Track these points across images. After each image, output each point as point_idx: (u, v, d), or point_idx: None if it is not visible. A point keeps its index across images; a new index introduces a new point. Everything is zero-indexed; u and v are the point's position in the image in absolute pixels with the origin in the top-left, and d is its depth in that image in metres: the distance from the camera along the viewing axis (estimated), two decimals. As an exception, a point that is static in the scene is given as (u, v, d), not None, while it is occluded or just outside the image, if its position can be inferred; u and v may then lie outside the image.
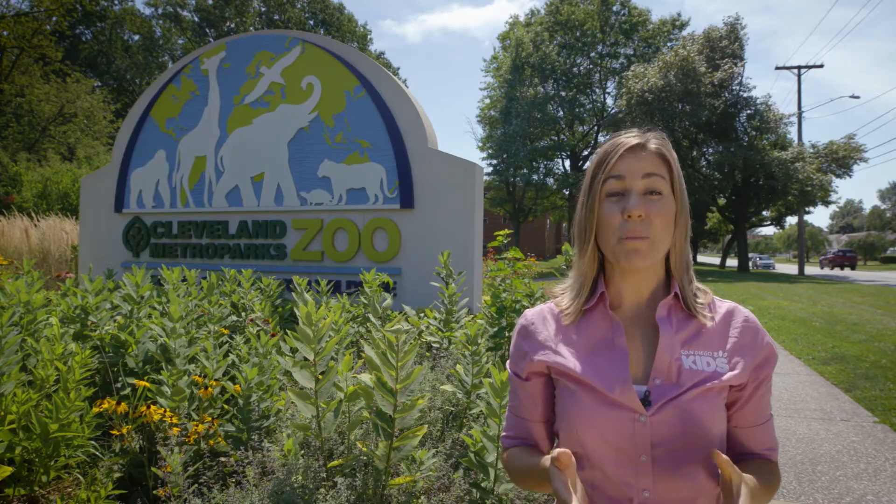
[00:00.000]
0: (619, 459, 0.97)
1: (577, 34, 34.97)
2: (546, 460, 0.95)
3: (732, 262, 44.36)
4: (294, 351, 3.07)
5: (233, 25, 39.59)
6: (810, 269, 39.32)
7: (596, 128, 36.83)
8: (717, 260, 52.23)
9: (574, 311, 1.06)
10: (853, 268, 38.98)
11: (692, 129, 27.77)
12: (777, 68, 29.84)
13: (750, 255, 41.43)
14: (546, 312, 1.12)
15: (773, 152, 26.85)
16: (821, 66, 29.56)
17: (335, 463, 2.10)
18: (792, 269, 39.57)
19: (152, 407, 2.27)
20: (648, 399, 0.96)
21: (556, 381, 1.07)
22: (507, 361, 1.16)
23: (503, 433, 1.18)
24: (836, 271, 38.18)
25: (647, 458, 0.95)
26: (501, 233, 4.45)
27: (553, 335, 1.08)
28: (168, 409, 2.36)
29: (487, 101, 38.39)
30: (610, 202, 1.00)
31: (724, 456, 0.87)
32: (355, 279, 6.27)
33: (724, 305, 1.06)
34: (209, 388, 2.56)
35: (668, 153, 1.02)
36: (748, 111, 28.00)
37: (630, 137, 1.02)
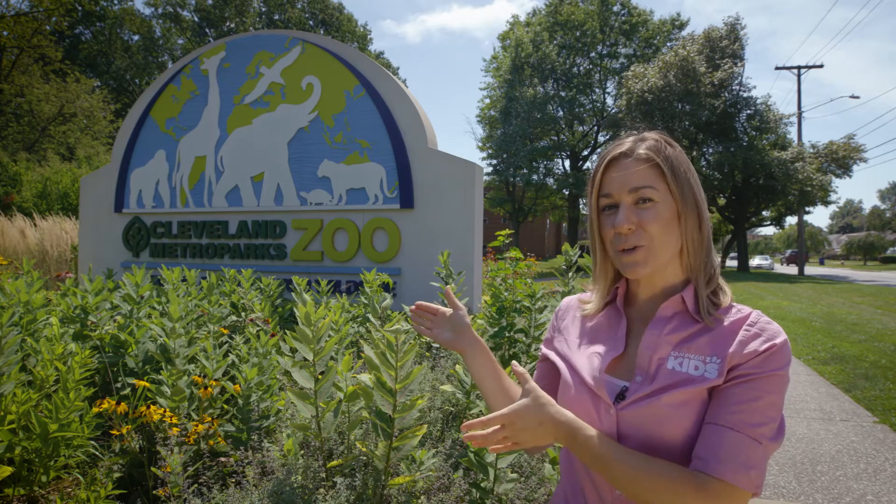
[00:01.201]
0: None
1: (577, 34, 34.98)
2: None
3: (729, 263, 44.44)
4: (294, 351, 3.08)
5: (233, 25, 39.58)
6: (809, 269, 39.43)
7: (596, 128, 36.84)
8: (783, 267, 53.68)
9: (594, 307, 1.13)
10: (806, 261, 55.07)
11: (692, 129, 27.76)
12: (777, 68, 29.86)
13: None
14: (576, 301, 1.20)
15: (773, 152, 26.85)
16: (821, 66, 29.58)
17: (335, 463, 2.10)
18: (791, 269, 39.64)
19: (152, 407, 2.27)
20: (624, 394, 0.97)
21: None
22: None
23: None
24: (831, 271, 39.26)
25: None
26: (503, 233, 4.44)
27: (572, 324, 1.16)
28: (168, 409, 2.36)
29: (487, 101, 38.41)
30: (605, 216, 1.03)
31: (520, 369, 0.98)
32: (355, 279, 6.27)
33: (741, 313, 0.97)
34: (209, 388, 2.56)
35: (657, 156, 0.98)
36: (748, 111, 28.00)
37: (618, 146, 1.02)
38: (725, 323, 0.95)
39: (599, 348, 1.05)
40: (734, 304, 1.00)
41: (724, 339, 0.93)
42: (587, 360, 1.05)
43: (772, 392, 0.88)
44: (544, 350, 1.21)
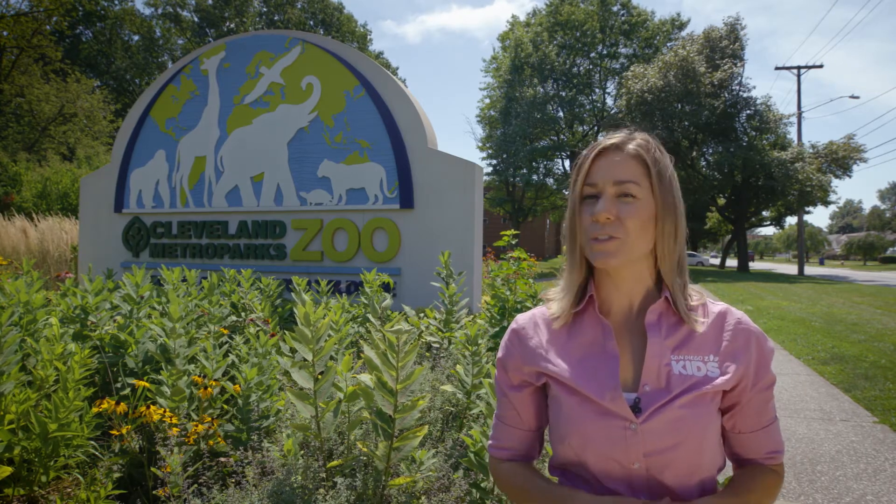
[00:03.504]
0: (611, 467, 0.96)
1: (577, 34, 34.99)
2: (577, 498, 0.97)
3: (730, 263, 44.46)
4: (293, 351, 3.07)
5: (232, 26, 39.57)
6: (809, 269, 39.44)
7: (596, 128, 36.85)
8: (715, 260, 53.50)
9: (564, 315, 1.05)
10: (752, 260, 59.72)
11: (692, 129, 27.76)
12: (777, 68, 29.86)
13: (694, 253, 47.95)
14: (537, 318, 1.11)
15: (773, 152, 26.86)
16: (820, 66, 29.57)
17: (335, 463, 2.10)
18: (791, 268, 39.64)
19: (152, 407, 2.27)
20: (638, 406, 0.95)
21: (547, 388, 1.06)
22: (496, 369, 1.13)
23: (491, 442, 1.14)
24: (831, 271, 39.37)
25: (641, 466, 0.94)
26: (508, 232, 4.44)
27: (544, 341, 1.06)
28: (168, 410, 2.36)
29: (487, 101, 38.41)
30: (585, 205, 1.01)
31: None
32: (355, 279, 6.27)
33: (716, 308, 1.04)
34: (209, 389, 2.56)
35: (646, 155, 0.99)
36: (748, 111, 28.00)
37: (608, 139, 1.02)
38: (710, 322, 1.02)
39: (593, 363, 1.00)
40: (708, 300, 1.06)
41: (716, 336, 1.01)
42: (584, 377, 0.99)
43: (773, 381, 1.03)
44: (516, 376, 1.08)
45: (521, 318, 1.13)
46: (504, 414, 1.12)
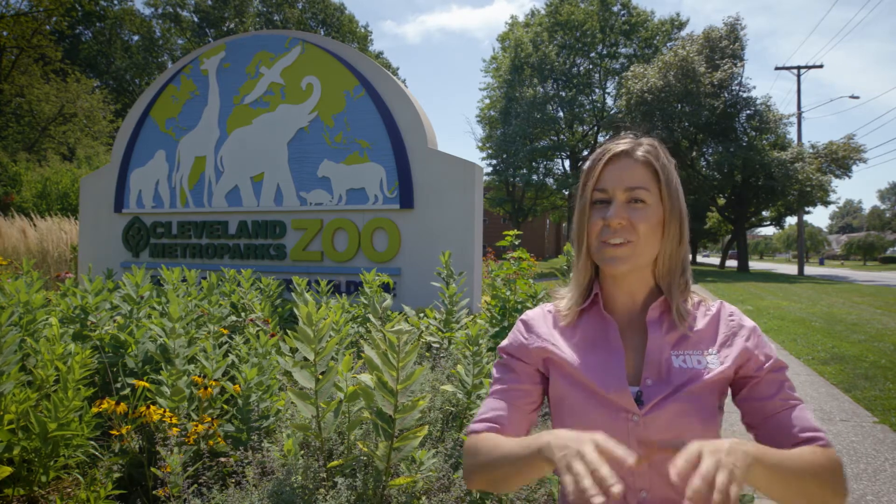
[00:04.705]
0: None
1: (577, 34, 34.99)
2: (535, 439, 0.85)
3: (729, 263, 44.40)
4: (294, 351, 3.07)
5: (232, 26, 39.56)
6: (809, 270, 39.43)
7: (596, 128, 36.84)
8: (715, 260, 53.39)
9: (570, 311, 1.09)
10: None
11: (692, 129, 27.75)
12: (777, 68, 29.85)
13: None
14: (546, 311, 1.14)
15: (773, 152, 26.85)
16: (820, 66, 29.55)
17: (335, 463, 2.09)
18: (791, 269, 39.64)
19: (152, 407, 2.27)
20: (640, 399, 0.97)
21: (551, 377, 1.07)
22: (500, 354, 1.12)
23: (473, 420, 1.07)
24: (831, 271, 39.42)
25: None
26: (511, 232, 4.45)
27: (553, 331, 1.09)
28: (167, 410, 2.36)
29: (487, 101, 38.42)
30: (595, 209, 1.04)
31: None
32: (355, 279, 6.26)
33: (713, 306, 1.08)
34: (209, 389, 2.55)
35: (655, 161, 1.02)
36: (748, 111, 27.99)
37: (618, 144, 1.04)
38: (708, 319, 1.05)
39: (599, 356, 1.02)
40: (702, 299, 1.09)
41: (713, 332, 1.03)
42: (590, 368, 1.01)
43: (783, 365, 1.03)
44: (522, 354, 1.08)
45: (529, 312, 1.16)
46: (500, 388, 1.07)
